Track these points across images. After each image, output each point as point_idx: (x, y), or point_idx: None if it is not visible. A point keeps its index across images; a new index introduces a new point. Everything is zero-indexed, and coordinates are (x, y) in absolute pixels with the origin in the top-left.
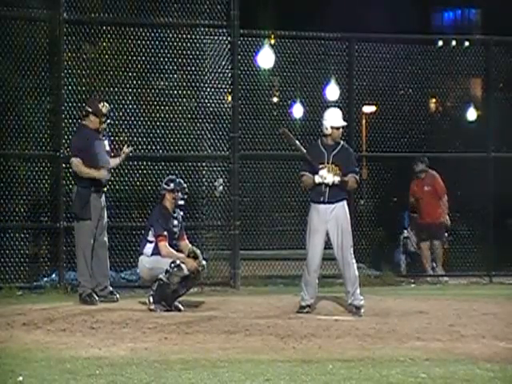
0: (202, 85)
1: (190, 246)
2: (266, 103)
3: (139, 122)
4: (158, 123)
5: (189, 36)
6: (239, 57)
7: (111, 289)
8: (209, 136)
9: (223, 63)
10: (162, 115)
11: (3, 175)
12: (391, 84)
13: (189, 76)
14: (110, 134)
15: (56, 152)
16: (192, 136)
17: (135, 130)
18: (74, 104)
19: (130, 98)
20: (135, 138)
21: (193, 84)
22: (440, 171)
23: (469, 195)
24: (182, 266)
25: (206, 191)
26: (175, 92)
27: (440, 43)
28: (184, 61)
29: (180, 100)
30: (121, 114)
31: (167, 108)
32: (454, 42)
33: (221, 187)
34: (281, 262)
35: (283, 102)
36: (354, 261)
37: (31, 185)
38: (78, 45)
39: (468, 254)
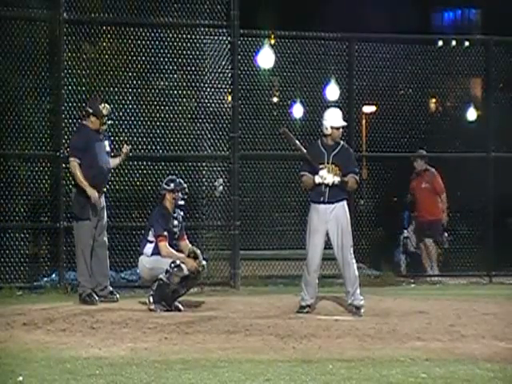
0: (201, 85)
1: (190, 246)
2: (265, 103)
3: (139, 122)
4: (157, 123)
5: (189, 36)
6: (239, 57)
7: (111, 289)
8: (209, 136)
9: (223, 63)
10: (162, 115)
11: (3, 175)
12: (391, 84)
13: (189, 76)
14: (110, 134)
15: (56, 152)
16: (192, 136)
17: (135, 130)
18: (74, 104)
19: (130, 98)
20: (135, 138)
21: (193, 84)
22: (440, 171)
23: (469, 195)
24: (182, 266)
25: (206, 191)
26: (175, 92)
27: (440, 43)
28: (184, 61)
29: (180, 100)
30: (121, 114)
31: (167, 108)
32: (454, 42)
33: (221, 187)
34: (281, 262)
35: (283, 101)
36: (354, 261)
37: (31, 185)
38: (78, 45)
39: (468, 253)
